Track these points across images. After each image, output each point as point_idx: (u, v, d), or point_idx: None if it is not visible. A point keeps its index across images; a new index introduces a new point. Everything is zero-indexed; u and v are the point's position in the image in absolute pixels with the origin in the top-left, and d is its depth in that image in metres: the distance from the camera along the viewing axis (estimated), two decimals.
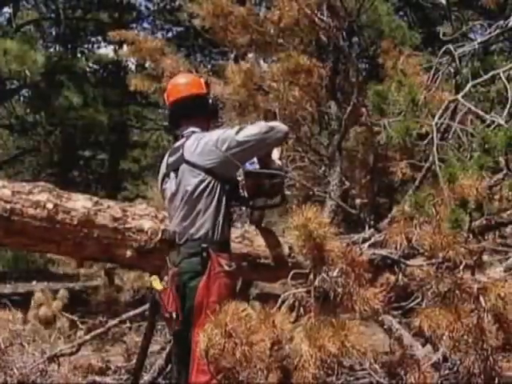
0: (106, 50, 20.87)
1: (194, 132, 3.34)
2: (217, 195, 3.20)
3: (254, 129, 3.25)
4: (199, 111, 3.39)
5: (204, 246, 3.12)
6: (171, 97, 3.47)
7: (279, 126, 3.34)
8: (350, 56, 4.81)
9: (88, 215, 3.63)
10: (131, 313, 5.61)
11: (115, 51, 18.94)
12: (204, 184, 3.19)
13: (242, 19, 5.19)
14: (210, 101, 3.48)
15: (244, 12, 5.19)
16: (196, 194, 3.19)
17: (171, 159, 3.38)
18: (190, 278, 3.12)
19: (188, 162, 3.23)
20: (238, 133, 3.21)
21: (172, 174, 3.32)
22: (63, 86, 13.33)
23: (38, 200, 3.56)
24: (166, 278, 3.19)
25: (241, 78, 4.94)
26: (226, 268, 3.13)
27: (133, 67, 19.64)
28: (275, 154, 3.47)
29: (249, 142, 3.20)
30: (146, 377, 4.55)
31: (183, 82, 3.51)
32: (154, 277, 3.20)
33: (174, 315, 3.08)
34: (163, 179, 3.42)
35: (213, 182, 3.20)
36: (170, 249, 3.29)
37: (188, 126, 3.38)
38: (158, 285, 3.17)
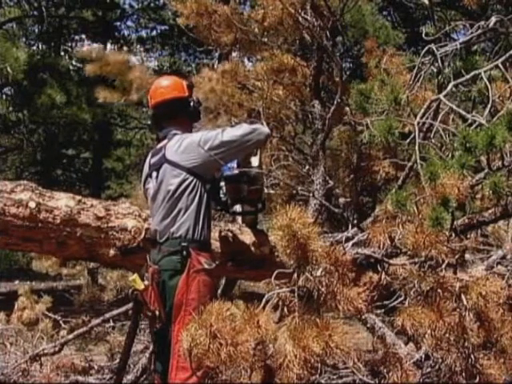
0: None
1: (175, 134, 3.38)
2: (198, 195, 3.24)
3: (237, 130, 3.31)
4: (180, 113, 3.45)
5: (184, 244, 3.16)
6: (153, 99, 3.52)
7: (261, 128, 3.41)
8: (334, 55, 4.82)
9: (71, 214, 3.60)
10: (114, 312, 5.60)
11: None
12: (185, 183, 3.23)
13: (225, 18, 5.19)
14: (192, 103, 3.50)
15: (228, 11, 5.19)
16: (177, 193, 3.23)
17: (153, 160, 3.42)
18: (169, 275, 3.16)
19: (170, 162, 3.27)
20: (221, 133, 3.26)
21: (154, 174, 3.36)
22: (46, 84, 13.22)
23: (20, 199, 3.53)
24: (146, 275, 3.22)
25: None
26: (206, 266, 3.16)
27: None
28: (255, 161, 3.52)
29: (232, 142, 3.25)
30: (130, 376, 4.54)
31: (165, 85, 3.54)
32: (135, 277, 3.21)
33: (157, 313, 3.11)
34: (146, 179, 3.47)
35: (194, 181, 3.24)
36: (152, 247, 3.32)
37: (170, 127, 3.43)
38: (139, 284, 3.18)
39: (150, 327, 3.35)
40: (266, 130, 3.42)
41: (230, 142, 3.24)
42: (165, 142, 3.38)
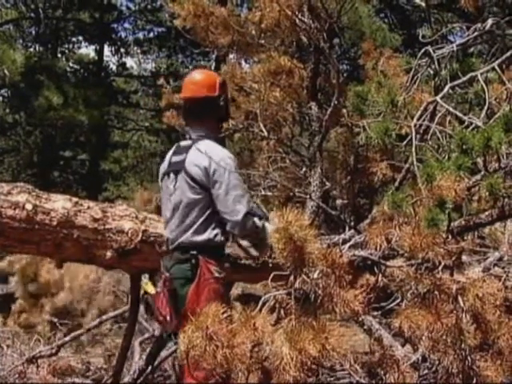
0: (87, 50, 20.79)
1: (202, 136, 3.29)
2: (211, 208, 3.20)
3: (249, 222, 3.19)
4: (208, 113, 3.35)
5: (193, 252, 3.16)
6: (183, 93, 3.44)
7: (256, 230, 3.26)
8: (331, 57, 4.82)
9: (68, 216, 3.60)
10: (111, 314, 5.60)
11: (96, 51, 18.93)
12: (200, 196, 3.19)
13: (223, 20, 5.20)
14: (222, 102, 3.39)
15: (225, 13, 5.20)
16: (191, 204, 3.21)
17: (175, 158, 3.34)
18: (180, 284, 3.16)
19: (187, 173, 3.21)
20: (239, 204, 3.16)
21: (172, 176, 3.31)
22: (43, 86, 13.23)
23: (17, 201, 3.52)
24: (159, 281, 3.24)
25: None
26: (216, 274, 3.17)
27: (114, 67, 19.63)
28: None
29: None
30: (126, 378, 4.53)
31: (196, 81, 3.42)
32: (147, 281, 3.24)
33: (168, 318, 3.11)
34: (163, 176, 3.41)
35: (208, 196, 3.19)
36: (166, 253, 3.34)
37: (197, 126, 3.34)
38: (150, 289, 3.22)
39: (163, 331, 3.38)
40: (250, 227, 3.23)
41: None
42: (189, 142, 3.31)
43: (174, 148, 3.44)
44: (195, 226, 3.19)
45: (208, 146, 3.24)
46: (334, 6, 4.92)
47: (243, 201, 3.17)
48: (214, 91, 3.35)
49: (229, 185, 3.15)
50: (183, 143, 3.36)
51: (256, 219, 3.23)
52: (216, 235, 3.21)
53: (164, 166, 3.42)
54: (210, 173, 3.15)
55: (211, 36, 5.27)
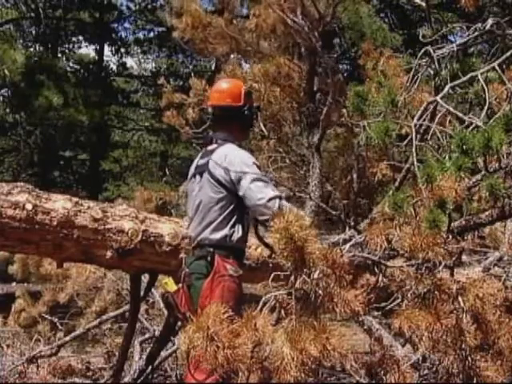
0: (87, 50, 20.78)
1: (226, 140, 3.42)
2: (231, 207, 3.30)
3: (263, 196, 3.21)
4: (232, 120, 3.48)
5: (210, 250, 3.25)
6: (210, 100, 3.62)
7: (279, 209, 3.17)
8: (323, 56, 4.83)
9: (68, 216, 3.60)
10: (111, 314, 5.60)
11: (96, 51, 18.93)
12: (220, 195, 3.30)
13: (220, 30, 5.24)
14: (246, 112, 3.50)
15: (222, 22, 5.25)
16: (212, 204, 3.32)
17: (201, 161, 3.48)
18: (196, 279, 3.24)
19: (210, 174, 3.33)
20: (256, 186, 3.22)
21: (198, 177, 3.44)
22: (43, 86, 13.22)
23: (17, 200, 3.52)
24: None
25: None
26: (231, 272, 3.23)
27: (114, 67, 19.63)
28: None
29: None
30: (126, 378, 4.54)
31: (221, 90, 3.58)
32: (167, 279, 3.31)
33: (187, 314, 3.14)
34: (190, 179, 3.55)
35: (230, 196, 3.29)
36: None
37: (221, 132, 3.48)
38: (171, 286, 3.27)
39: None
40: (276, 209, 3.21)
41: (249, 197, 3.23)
42: (214, 146, 3.43)
43: (201, 152, 3.58)
44: (214, 224, 3.29)
45: (230, 148, 3.38)
46: (325, 9, 4.94)
47: (267, 188, 3.24)
48: (238, 101, 3.49)
49: (250, 178, 3.23)
50: (209, 147, 3.49)
51: (284, 202, 3.28)
52: (233, 233, 3.29)
53: (192, 169, 3.56)
54: (231, 173, 3.26)
55: (209, 46, 5.31)
